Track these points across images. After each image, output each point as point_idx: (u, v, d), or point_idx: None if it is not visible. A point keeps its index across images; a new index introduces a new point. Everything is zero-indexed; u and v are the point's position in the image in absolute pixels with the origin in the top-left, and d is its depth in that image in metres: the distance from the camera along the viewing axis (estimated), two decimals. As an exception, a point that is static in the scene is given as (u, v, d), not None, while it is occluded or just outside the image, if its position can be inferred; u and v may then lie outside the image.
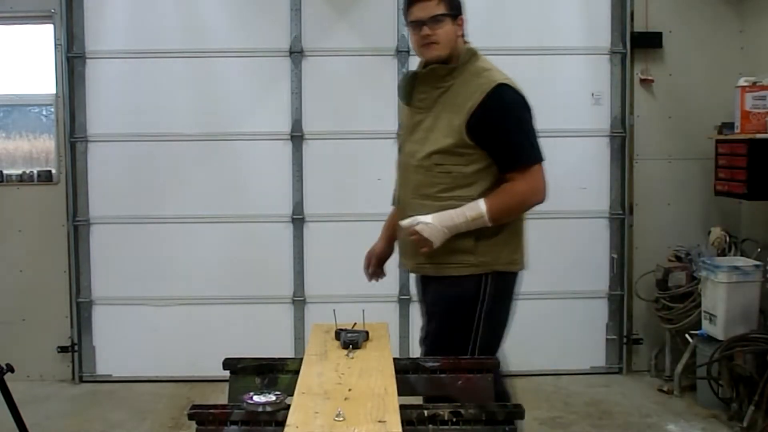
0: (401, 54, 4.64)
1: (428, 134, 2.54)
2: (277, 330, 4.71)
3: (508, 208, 2.53)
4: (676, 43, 4.76)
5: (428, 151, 2.53)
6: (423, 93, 2.56)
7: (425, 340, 2.68)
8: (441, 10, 2.47)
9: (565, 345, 4.81)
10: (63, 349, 4.76)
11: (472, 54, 2.58)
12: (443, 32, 2.49)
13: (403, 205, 2.63)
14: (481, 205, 2.48)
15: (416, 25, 2.51)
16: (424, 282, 2.70)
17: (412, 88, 2.61)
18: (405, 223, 2.52)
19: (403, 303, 4.73)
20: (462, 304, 2.57)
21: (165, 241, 4.75)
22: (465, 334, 2.57)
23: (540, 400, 4.36)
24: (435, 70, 2.54)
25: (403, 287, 4.67)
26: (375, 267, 2.92)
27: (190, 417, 1.91)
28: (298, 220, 4.72)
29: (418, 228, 2.47)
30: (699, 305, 4.28)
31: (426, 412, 1.87)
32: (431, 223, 2.47)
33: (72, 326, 4.75)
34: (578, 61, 4.77)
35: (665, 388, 4.48)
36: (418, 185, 2.56)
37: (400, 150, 2.72)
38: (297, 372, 2.07)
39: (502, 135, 2.49)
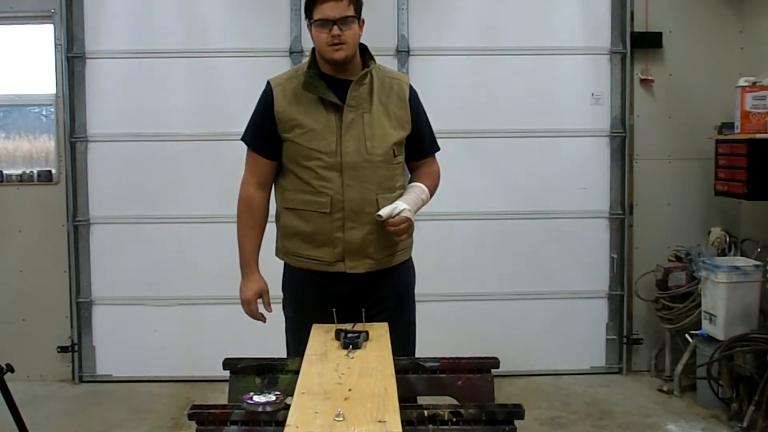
0: (401, 54, 4.65)
1: (375, 129, 2.50)
2: (278, 330, 4.71)
3: (435, 188, 2.72)
4: (676, 43, 4.76)
5: (390, 143, 2.52)
6: (354, 91, 2.50)
7: (400, 334, 2.56)
8: (351, 11, 2.43)
9: (565, 345, 4.81)
10: (63, 349, 4.76)
11: (367, 48, 2.59)
12: (351, 33, 2.44)
13: (357, 206, 2.49)
14: (425, 188, 2.63)
15: (325, 23, 2.42)
16: (377, 277, 2.58)
17: (327, 90, 2.49)
18: (385, 213, 2.45)
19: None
20: (414, 284, 2.77)
21: (165, 241, 4.74)
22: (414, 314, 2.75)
23: (540, 400, 4.36)
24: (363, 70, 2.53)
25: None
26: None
27: (190, 417, 1.91)
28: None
29: (408, 215, 2.48)
30: (699, 305, 4.28)
31: (426, 412, 1.87)
32: (411, 209, 2.50)
33: (72, 326, 4.75)
34: (578, 61, 4.77)
35: (665, 388, 4.48)
36: (382, 180, 2.52)
37: (321, 152, 2.48)
38: (297, 372, 2.07)
39: (425, 124, 2.68)
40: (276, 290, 2.69)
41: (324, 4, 2.41)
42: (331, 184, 2.49)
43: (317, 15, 2.43)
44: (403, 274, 2.69)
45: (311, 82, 2.50)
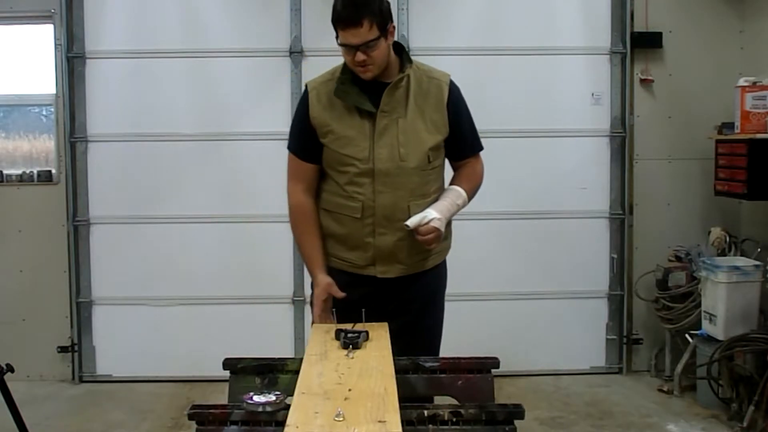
0: (401, 54, 4.65)
1: (409, 135, 2.48)
2: (277, 330, 4.72)
3: (476, 190, 2.67)
4: (676, 43, 4.76)
5: (424, 149, 2.50)
6: (388, 97, 2.48)
7: (423, 337, 2.62)
8: (374, 34, 2.35)
9: (565, 345, 4.81)
10: (63, 349, 4.76)
11: (404, 49, 2.56)
12: (378, 53, 2.39)
13: (388, 212, 2.49)
14: (462, 192, 2.58)
15: (349, 48, 2.38)
16: (408, 281, 2.58)
17: (360, 96, 2.47)
18: (413, 222, 2.44)
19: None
20: (445, 287, 2.74)
21: (165, 241, 4.74)
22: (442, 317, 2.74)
23: (540, 400, 4.36)
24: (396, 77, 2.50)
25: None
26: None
27: (190, 417, 1.91)
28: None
29: (437, 225, 2.45)
30: (699, 305, 4.28)
31: (426, 412, 1.87)
32: (441, 217, 2.48)
33: (72, 326, 4.75)
34: (578, 61, 4.77)
35: (665, 388, 4.48)
36: (415, 187, 2.50)
37: (355, 158, 2.47)
38: (297, 372, 2.07)
39: (466, 124, 2.62)
40: (306, 288, 2.68)
41: (345, 31, 2.37)
42: (363, 190, 2.49)
43: (340, 39, 2.41)
44: (435, 278, 2.66)
45: (343, 90, 2.47)
